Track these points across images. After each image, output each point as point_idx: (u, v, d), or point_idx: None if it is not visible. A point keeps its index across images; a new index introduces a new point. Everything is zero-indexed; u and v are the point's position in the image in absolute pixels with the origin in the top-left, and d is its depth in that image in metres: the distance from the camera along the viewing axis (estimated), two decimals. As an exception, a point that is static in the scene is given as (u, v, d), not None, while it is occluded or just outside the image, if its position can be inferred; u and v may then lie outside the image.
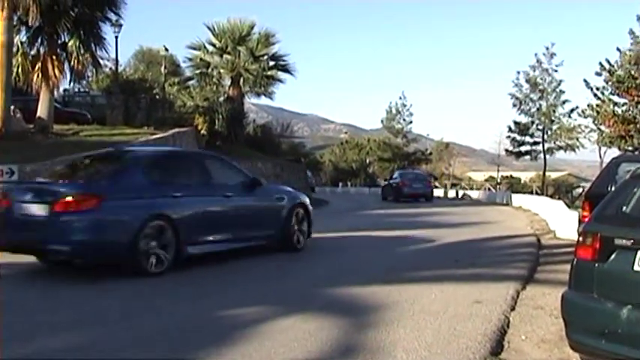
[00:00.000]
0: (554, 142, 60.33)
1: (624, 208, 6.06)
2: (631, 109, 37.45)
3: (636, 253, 5.52)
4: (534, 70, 59.95)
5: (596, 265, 5.78)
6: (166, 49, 46.89)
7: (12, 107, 27.73)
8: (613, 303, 5.61)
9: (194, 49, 44.71)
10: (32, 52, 28.96)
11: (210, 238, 12.96)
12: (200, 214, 12.74)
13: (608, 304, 5.64)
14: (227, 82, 45.12)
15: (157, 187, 12.17)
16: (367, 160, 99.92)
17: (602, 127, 40.90)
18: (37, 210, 11.21)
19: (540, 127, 60.18)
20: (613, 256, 5.70)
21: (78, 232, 10.96)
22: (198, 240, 12.57)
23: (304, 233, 15.56)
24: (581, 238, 6.01)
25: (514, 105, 60.54)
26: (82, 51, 28.79)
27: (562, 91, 59.64)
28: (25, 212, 11.35)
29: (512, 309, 9.12)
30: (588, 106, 41.70)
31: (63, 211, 10.94)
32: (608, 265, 5.72)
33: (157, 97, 40.87)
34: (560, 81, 59.56)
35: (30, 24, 27.75)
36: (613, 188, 8.05)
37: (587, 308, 5.82)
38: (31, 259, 11.97)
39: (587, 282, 5.84)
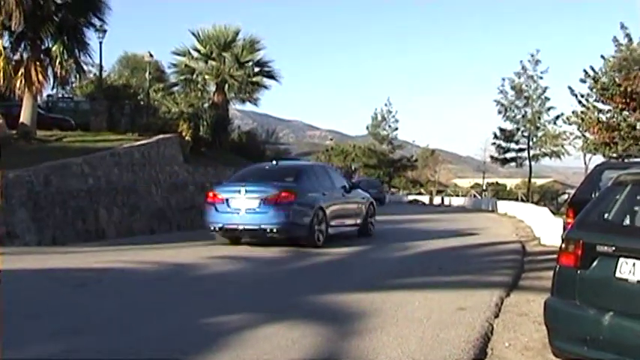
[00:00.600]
0: (540, 149, 60.73)
1: (606, 215, 6.09)
2: (615, 116, 37.54)
3: (618, 260, 5.54)
4: (519, 77, 60.39)
5: (579, 271, 5.80)
6: (151, 55, 46.59)
7: (-6, 113, 27.62)
8: (595, 310, 5.62)
9: (179, 55, 44.56)
10: (15, 57, 28.73)
11: (336, 223, 19.08)
12: (333, 206, 18.97)
13: (590, 311, 5.65)
14: (212, 88, 44.94)
15: (315, 188, 18.51)
16: (353, 167, 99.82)
17: (587, 134, 41.01)
18: (249, 203, 17.21)
19: (525, 134, 60.59)
20: (595, 263, 5.72)
21: (282, 216, 16.97)
22: (332, 224, 18.66)
23: (373, 224, 22.10)
24: (563, 245, 6.02)
25: (499, 112, 60.99)
26: (65, 56, 28.62)
27: (547, 98, 60.14)
28: (237, 205, 17.36)
29: (496, 316, 9.15)
30: (573, 113, 41.81)
31: (272, 202, 17.00)
32: (590, 272, 5.74)
33: (142, 103, 40.69)
34: (546, 88, 60.04)
35: (13, 29, 27.53)
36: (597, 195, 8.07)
37: (570, 315, 5.83)
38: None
39: (570, 289, 5.86)
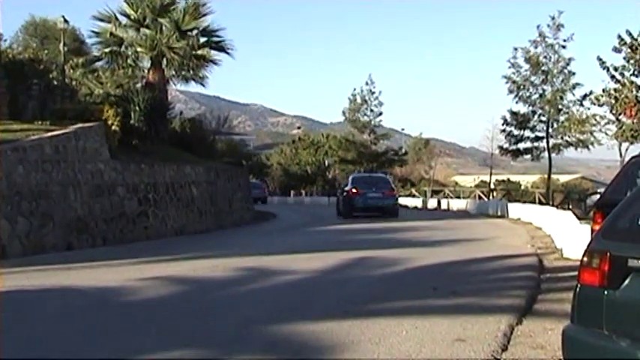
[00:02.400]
0: (562, 138, 60.33)
1: (641, 220, 6.03)
2: (660, 93, 37.54)
3: (656, 278, 5.49)
4: (536, 47, 60.00)
5: (606, 292, 5.73)
6: (66, 21, 45.88)
7: None
8: (628, 341, 5.55)
9: (102, 20, 44.06)
10: None
11: None
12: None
13: (622, 343, 5.58)
14: (146, 63, 44.55)
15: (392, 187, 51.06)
16: (326, 163, 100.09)
17: (623, 118, 41.04)
18: (375, 195, 45.23)
19: (544, 119, 60.28)
20: (627, 282, 5.64)
21: (391, 201, 46.44)
22: None
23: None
24: (585, 259, 5.95)
25: (510, 91, 60.49)
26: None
27: (571, 73, 59.73)
28: (371, 196, 45.09)
29: (504, 349, 9.14)
30: (604, 91, 41.76)
31: (387, 195, 46.18)
32: (620, 293, 5.67)
33: (55, 82, 40.32)
34: (569, 60, 59.73)
35: None
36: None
37: (595, 348, 5.76)
38: None
39: (595, 314, 5.80)
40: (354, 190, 44.78)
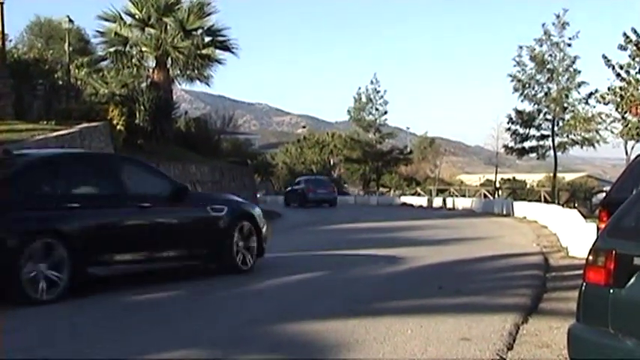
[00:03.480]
0: (568, 136, 60.11)
1: (647, 217, 6.01)
2: (665, 91, 37.46)
3: (662, 276, 5.46)
4: (541, 45, 59.77)
5: (612, 291, 5.70)
6: (71, 21, 45.85)
7: None
8: (634, 340, 5.53)
9: (107, 20, 44.01)
10: None
11: None
12: None
13: (627, 342, 5.56)
14: (151, 63, 44.55)
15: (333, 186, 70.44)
16: (331, 162, 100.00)
17: (628, 116, 40.91)
18: (323, 191, 63.69)
19: (549, 117, 60.04)
20: (633, 280, 5.61)
21: (333, 195, 64.33)
22: None
23: None
24: (591, 257, 5.92)
25: (515, 89, 60.22)
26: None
27: (577, 71, 59.46)
28: (319, 192, 63.19)
29: (510, 348, 9.09)
30: (610, 89, 41.66)
31: (330, 191, 64.83)
32: (626, 291, 5.64)
33: (60, 82, 40.38)
34: (575, 58, 59.47)
35: None
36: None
37: (601, 347, 5.74)
38: None
39: (601, 313, 5.77)
40: (308, 188, 63.27)
